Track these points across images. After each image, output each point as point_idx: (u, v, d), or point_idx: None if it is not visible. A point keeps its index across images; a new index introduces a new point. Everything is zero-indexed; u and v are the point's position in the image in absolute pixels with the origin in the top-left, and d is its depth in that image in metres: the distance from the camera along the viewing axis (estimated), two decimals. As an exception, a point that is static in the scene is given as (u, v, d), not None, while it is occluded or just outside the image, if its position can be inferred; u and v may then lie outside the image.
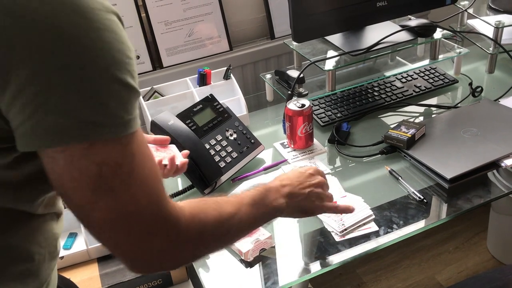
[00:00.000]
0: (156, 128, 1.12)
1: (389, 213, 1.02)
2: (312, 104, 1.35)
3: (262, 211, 0.80)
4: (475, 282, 0.99)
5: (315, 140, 1.27)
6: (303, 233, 1.03)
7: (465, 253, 1.90)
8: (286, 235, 1.02)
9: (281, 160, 1.22)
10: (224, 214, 0.71)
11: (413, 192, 1.06)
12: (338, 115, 1.33)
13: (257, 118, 1.41)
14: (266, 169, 1.20)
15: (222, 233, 0.71)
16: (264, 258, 0.97)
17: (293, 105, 1.20)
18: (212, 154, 1.15)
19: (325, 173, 1.14)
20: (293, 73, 1.36)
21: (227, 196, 0.78)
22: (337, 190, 1.09)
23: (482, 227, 1.97)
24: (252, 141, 1.22)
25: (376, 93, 1.40)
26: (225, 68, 1.39)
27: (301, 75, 1.32)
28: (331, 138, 1.26)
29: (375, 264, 1.88)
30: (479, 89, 1.37)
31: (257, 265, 0.96)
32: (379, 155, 1.19)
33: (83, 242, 1.24)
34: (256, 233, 0.98)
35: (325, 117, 1.33)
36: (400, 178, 1.10)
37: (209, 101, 1.22)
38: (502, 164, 1.07)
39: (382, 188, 1.10)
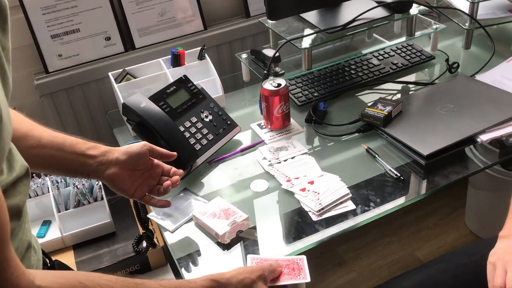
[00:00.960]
0: (128, 111, 1.09)
1: (366, 191, 1.02)
2: (289, 83, 1.34)
3: None
4: (452, 257, 0.99)
5: (292, 120, 1.25)
6: (280, 213, 1.02)
7: (444, 229, 1.92)
8: (264, 216, 1.01)
9: (258, 141, 1.20)
10: None
11: (390, 170, 1.05)
12: (315, 94, 1.32)
13: (233, 99, 1.38)
14: (243, 150, 1.18)
15: None
16: (241, 240, 0.95)
17: (269, 84, 1.18)
18: (187, 136, 1.13)
19: (303, 153, 1.14)
20: (269, 52, 1.33)
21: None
22: (314, 170, 1.08)
23: (460, 203, 1.99)
24: (228, 122, 1.20)
25: (353, 71, 1.38)
26: (199, 48, 1.36)
27: (277, 54, 1.30)
28: (308, 117, 1.24)
29: (355, 242, 1.90)
30: (455, 65, 1.37)
31: (235, 247, 0.95)
32: (356, 134, 1.18)
33: (57, 230, 1.22)
34: (232, 215, 0.97)
35: (302, 96, 1.32)
36: (377, 156, 1.09)
37: (183, 82, 1.19)
38: (478, 140, 1.07)
39: (359, 166, 1.10)
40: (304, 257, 0.83)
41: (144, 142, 0.92)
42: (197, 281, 0.70)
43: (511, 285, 0.79)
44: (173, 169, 0.96)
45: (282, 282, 0.78)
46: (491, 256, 0.87)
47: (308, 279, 0.79)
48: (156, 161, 0.94)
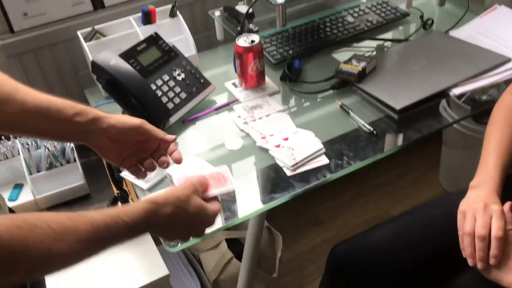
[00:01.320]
0: (97, 69, 1.06)
1: (339, 146, 1.02)
2: (264, 41, 1.32)
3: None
4: (423, 208, 1.01)
5: (267, 78, 1.24)
6: (255, 170, 1.02)
7: (418, 187, 1.96)
8: (239, 173, 1.01)
9: (232, 100, 1.19)
10: (57, 251, 0.57)
11: (363, 125, 1.06)
12: (290, 52, 1.30)
13: (207, 59, 1.36)
14: (217, 109, 1.17)
15: (45, 271, 0.59)
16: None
17: (243, 41, 1.16)
18: (159, 95, 1.11)
19: (278, 111, 1.13)
20: (243, 9, 1.30)
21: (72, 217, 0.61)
22: (288, 127, 1.08)
23: (434, 162, 2.03)
24: (202, 81, 1.18)
25: (328, 29, 1.37)
26: (171, 5, 1.32)
27: (251, 10, 1.27)
28: (283, 75, 1.23)
29: (332, 202, 1.92)
30: (430, 22, 1.36)
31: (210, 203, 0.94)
32: (331, 90, 1.17)
33: (29, 193, 1.20)
34: (207, 172, 0.96)
35: (276, 54, 1.30)
36: (350, 111, 1.09)
37: (154, 39, 1.16)
38: (451, 93, 1.08)
39: (333, 122, 1.10)
40: (225, 166, 0.88)
41: (140, 123, 0.84)
42: (135, 205, 0.69)
43: (480, 231, 0.82)
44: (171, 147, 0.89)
45: (212, 192, 0.80)
46: (461, 205, 0.89)
47: (234, 186, 0.83)
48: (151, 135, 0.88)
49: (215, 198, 0.81)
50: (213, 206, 0.78)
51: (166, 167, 0.88)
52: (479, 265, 0.82)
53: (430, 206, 1.02)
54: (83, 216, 0.62)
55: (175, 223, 0.72)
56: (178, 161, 0.86)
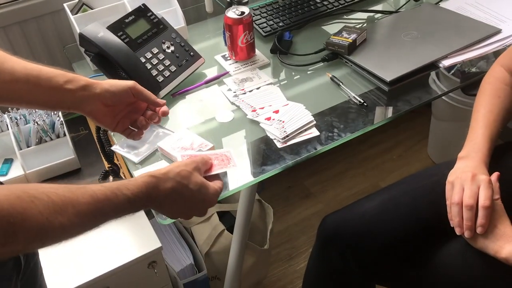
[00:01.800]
0: (85, 42, 1.05)
1: (330, 118, 1.03)
2: (253, 13, 1.30)
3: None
4: (412, 179, 1.03)
5: (257, 51, 1.23)
6: (246, 142, 1.02)
7: (407, 160, 1.98)
8: (230, 146, 1.01)
9: (223, 73, 1.18)
10: (57, 223, 0.57)
11: (353, 97, 1.06)
12: (280, 24, 1.29)
13: (196, 31, 1.34)
14: (207, 82, 1.16)
15: (45, 242, 0.58)
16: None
17: (232, 13, 1.14)
18: (148, 68, 1.10)
19: (268, 83, 1.13)
20: (232, -20, 1.28)
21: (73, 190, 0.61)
22: (279, 99, 1.08)
23: (424, 135, 2.05)
24: (191, 53, 1.17)
25: (318, 1, 1.36)
26: (159, -24, 1.29)
27: (240, -18, 1.25)
28: (273, 48, 1.22)
29: (322, 175, 1.94)
30: (420, -7, 1.35)
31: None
32: (321, 63, 1.17)
33: (20, 168, 1.19)
34: (198, 145, 0.96)
35: (266, 27, 1.29)
36: (341, 84, 1.10)
37: (142, 11, 1.14)
38: (441, 65, 1.08)
39: (324, 95, 1.10)
40: (230, 149, 0.88)
41: (135, 87, 0.85)
42: (137, 179, 0.69)
43: (468, 200, 0.83)
44: (155, 104, 0.91)
45: (215, 171, 0.81)
46: (450, 175, 0.90)
47: (237, 166, 0.84)
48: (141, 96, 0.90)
49: (217, 177, 0.81)
50: (215, 184, 0.78)
51: (157, 122, 0.91)
52: (466, 234, 0.83)
53: (418, 176, 1.03)
54: (83, 188, 0.62)
55: (175, 199, 0.72)
56: (165, 113, 0.90)
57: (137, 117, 0.90)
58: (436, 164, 1.09)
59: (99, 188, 0.63)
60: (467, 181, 0.85)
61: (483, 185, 0.84)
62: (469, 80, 1.14)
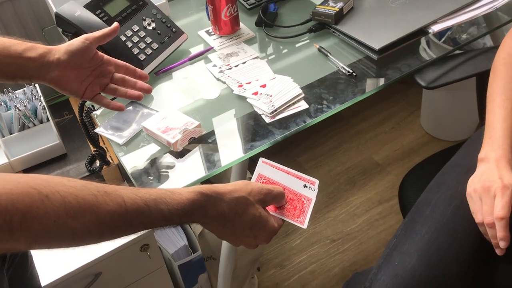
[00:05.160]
0: (62, 21, 1.01)
1: (319, 90, 1.00)
2: (236, -14, 1.26)
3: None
4: (433, 211, 0.86)
5: (241, 25, 1.19)
6: (233, 119, 0.99)
7: (400, 132, 1.97)
8: (217, 123, 0.98)
9: (207, 48, 1.15)
10: (66, 227, 0.51)
11: (342, 67, 1.03)
12: (265, -4, 1.25)
13: (178, 7, 1.31)
14: (191, 59, 1.13)
15: (51, 245, 0.53)
16: (194, 147, 0.93)
17: (214, -15, 1.10)
18: (129, 46, 1.06)
19: (254, 57, 1.10)
20: (212, -48, 1.23)
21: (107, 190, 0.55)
22: (266, 73, 1.05)
23: (416, 106, 2.03)
24: (174, 30, 1.13)
25: (303, -30, 1.31)
26: (136, -49, 1.24)
27: (221, -47, 1.20)
28: (258, 20, 1.19)
29: (315, 151, 1.92)
30: (408, -42, 1.31)
31: (191, 153, 0.92)
32: (308, 34, 1.14)
33: (3, 155, 1.16)
34: (184, 123, 0.94)
35: (251, -1, 1.25)
36: (329, 54, 1.06)
37: (120, -13, 1.10)
38: (430, 30, 1.05)
39: (312, 66, 1.07)
40: (313, 199, 0.74)
41: (86, 36, 0.83)
42: (182, 193, 0.61)
43: (487, 218, 0.74)
44: (131, 66, 0.90)
45: (278, 214, 0.72)
46: (468, 186, 0.80)
47: (305, 226, 0.71)
48: (106, 56, 0.88)
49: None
50: (275, 221, 0.69)
51: (139, 98, 0.90)
52: (498, 252, 0.74)
53: (437, 204, 0.87)
54: (113, 194, 0.55)
55: (224, 224, 0.65)
56: (148, 90, 0.91)
57: (107, 82, 0.88)
58: (442, 176, 0.93)
59: (131, 197, 0.56)
60: (483, 194, 0.75)
61: (498, 193, 0.73)
62: (459, 45, 1.11)
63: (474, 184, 0.79)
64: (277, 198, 0.70)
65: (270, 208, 0.72)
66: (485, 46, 1.62)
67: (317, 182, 0.76)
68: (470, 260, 0.80)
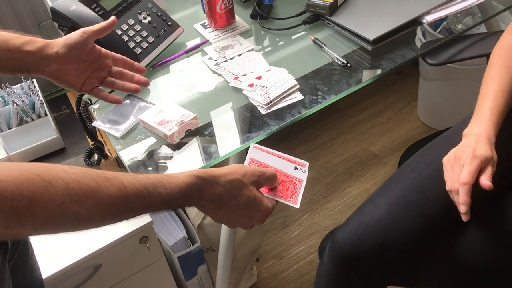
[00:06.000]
0: (57, 16, 1.02)
1: (314, 81, 1.01)
2: (231, -22, 1.26)
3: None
4: (411, 172, 0.94)
5: (237, 17, 1.20)
6: (229, 110, 1.00)
7: (397, 123, 1.98)
8: (213, 114, 0.99)
9: (203, 41, 1.15)
10: (71, 212, 0.53)
11: (336, 58, 1.04)
12: (260, -12, 1.25)
13: (174, 1, 1.31)
14: (187, 52, 1.14)
15: (57, 229, 0.55)
16: (191, 139, 0.94)
17: (209, -22, 1.11)
18: (125, 40, 1.07)
19: (249, 50, 1.11)
20: None
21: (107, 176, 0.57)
22: (261, 65, 1.06)
23: (413, 97, 2.03)
24: (169, 23, 1.13)
25: (298, -38, 1.32)
26: None
27: None
28: (253, 13, 1.19)
29: (312, 143, 1.93)
30: (402, -51, 1.31)
31: (188, 145, 0.93)
32: (303, 25, 1.14)
33: (2, 150, 1.17)
34: (180, 115, 0.95)
35: (246, -8, 1.25)
36: (324, 46, 1.07)
37: (115, -19, 1.11)
38: (424, 20, 1.06)
39: (307, 58, 1.08)
40: (304, 180, 0.76)
41: (84, 29, 0.84)
42: (179, 177, 0.63)
43: (451, 185, 0.78)
44: (128, 60, 0.91)
45: (271, 195, 0.74)
46: (444, 158, 0.84)
47: (298, 206, 0.74)
48: (104, 50, 0.89)
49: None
50: (269, 202, 0.71)
51: (136, 91, 0.91)
52: (463, 218, 0.77)
53: (416, 166, 0.94)
54: (113, 179, 0.57)
55: (220, 206, 0.67)
56: (145, 83, 0.91)
57: (105, 75, 0.89)
58: (430, 144, 0.99)
59: (130, 182, 0.58)
60: (454, 163, 0.79)
61: (466, 162, 0.78)
62: (453, 35, 1.12)
63: (449, 154, 0.83)
64: (270, 179, 0.72)
65: (264, 190, 0.74)
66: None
67: (307, 164, 0.78)
68: (436, 221, 0.87)
